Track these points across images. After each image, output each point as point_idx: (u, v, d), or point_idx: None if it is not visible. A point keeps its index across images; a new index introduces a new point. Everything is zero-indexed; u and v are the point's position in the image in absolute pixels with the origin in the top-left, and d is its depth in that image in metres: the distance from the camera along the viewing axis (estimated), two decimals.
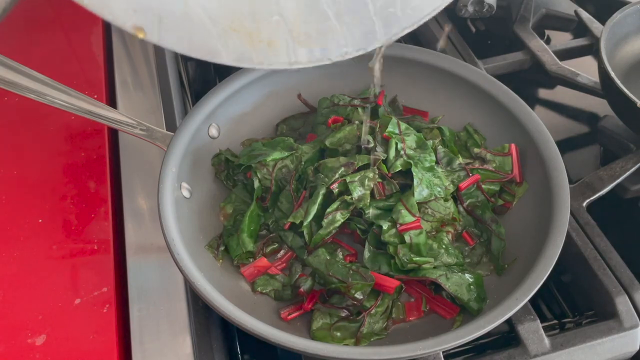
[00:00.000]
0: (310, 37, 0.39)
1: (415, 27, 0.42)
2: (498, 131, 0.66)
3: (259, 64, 0.39)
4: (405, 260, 0.56)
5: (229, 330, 0.60)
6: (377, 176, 0.59)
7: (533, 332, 0.54)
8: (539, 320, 0.54)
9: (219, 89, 0.66)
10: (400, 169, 0.59)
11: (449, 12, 0.87)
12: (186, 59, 0.88)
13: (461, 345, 0.49)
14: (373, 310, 0.55)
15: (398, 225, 0.56)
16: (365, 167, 0.59)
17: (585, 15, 0.87)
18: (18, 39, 0.84)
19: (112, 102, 0.77)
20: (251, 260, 0.60)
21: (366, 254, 0.58)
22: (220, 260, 0.59)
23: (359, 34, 0.40)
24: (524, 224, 0.59)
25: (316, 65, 0.40)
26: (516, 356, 0.53)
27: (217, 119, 0.66)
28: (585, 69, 0.79)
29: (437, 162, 0.62)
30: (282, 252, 0.61)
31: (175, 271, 0.55)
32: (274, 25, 0.38)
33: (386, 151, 0.60)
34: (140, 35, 0.36)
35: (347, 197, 0.58)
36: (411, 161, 0.59)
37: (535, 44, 0.83)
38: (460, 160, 0.63)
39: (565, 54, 0.83)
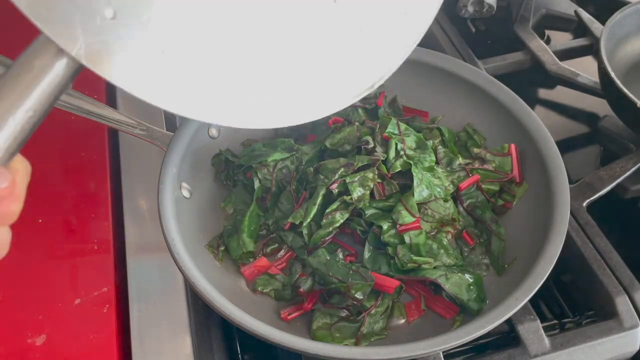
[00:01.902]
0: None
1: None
2: (498, 131, 0.66)
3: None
4: (405, 260, 0.56)
5: (229, 330, 0.60)
6: (376, 176, 0.59)
7: (533, 332, 0.54)
8: (539, 320, 0.54)
9: None
10: (400, 169, 0.59)
11: (449, 12, 0.87)
12: None
13: (461, 345, 0.49)
14: (373, 310, 0.55)
15: (398, 226, 0.56)
16: (365, 167, 0.59)
17: (585, 15, 0.87)
18: (18, 39, 0.84)
19: (112, 102, 0.77)
20: (251, 260, 0.60)
21: (366, 254, 0.58)
22: (221, 260, 0.59)
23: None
24: (524, 224, 0.59)
25: None
26: (516, 356, 0.53)
27: None
28: (585, 69, 0.79)
29: (437, 163, 0.62)
30: (282, 252, 0.61)
31: (175, 271, 0.55)
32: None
33: (386, 151, 0.60)
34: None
35: (347, 198, 0.58)
36: (411, 161, 0.59)
37: (535, 44, 0.83)
38: (460, 160, 0.63)
39: (565, 54, 0.84)
